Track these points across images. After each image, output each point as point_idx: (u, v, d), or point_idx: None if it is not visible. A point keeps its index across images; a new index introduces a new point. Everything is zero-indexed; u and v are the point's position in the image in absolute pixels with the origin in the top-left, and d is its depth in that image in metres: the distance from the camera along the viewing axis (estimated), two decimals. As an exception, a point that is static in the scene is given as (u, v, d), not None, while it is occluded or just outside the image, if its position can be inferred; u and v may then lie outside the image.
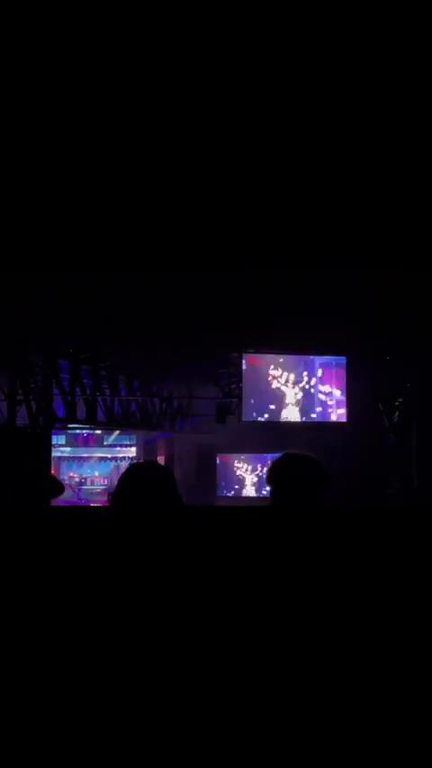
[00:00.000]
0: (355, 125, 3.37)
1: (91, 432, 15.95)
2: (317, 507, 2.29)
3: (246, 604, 1.34)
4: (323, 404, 11.56)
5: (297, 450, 2.52)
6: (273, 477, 2.46)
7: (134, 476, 2.33)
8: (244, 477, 14.73)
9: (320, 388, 11.56)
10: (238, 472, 14.78)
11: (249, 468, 14.62)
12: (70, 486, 16.37)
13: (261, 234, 4.80)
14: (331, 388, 11.55)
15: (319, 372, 11.60)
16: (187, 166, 3.92)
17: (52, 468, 12.54)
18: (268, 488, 2.53)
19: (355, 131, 3.44)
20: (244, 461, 14.68)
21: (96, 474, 16.51)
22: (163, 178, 4.08)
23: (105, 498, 15.15)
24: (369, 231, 4.67)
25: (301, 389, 11.51)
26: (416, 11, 2.60)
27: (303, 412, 11.50)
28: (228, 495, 14.68)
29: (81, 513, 1.99)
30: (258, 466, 14.45)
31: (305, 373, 11.54)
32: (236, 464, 14.80)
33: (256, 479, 14.59)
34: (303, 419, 11.46)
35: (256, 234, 4.79)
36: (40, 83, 3.05)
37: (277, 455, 2.56)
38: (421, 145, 3.45)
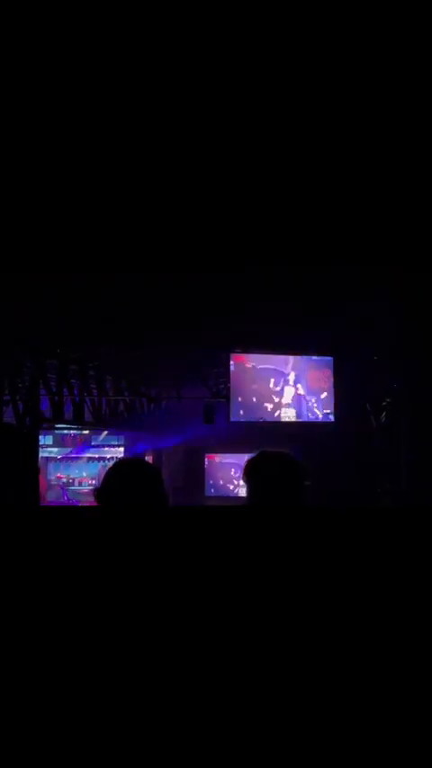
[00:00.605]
0: (355, 125, 3.37)
1: (78, 432, 15.89)
2: (301, 507, 2.27)
3: (235, 604, 1.34)
4: (310, 404, 11.58)
5: (277, 448, 2.49)
6: (249, 475, 2.44)
7: (120, 472, 2.31)
8: (235, 478, 14.68)
9: (308, 388, 11.59)
10: (233, 473, 14.72)
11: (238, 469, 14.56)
12: (58, 485, 16.32)
13: (259, 234, 4.80)
14: (319, 388, 11.57)
15: (307, 373, 11.63)
16: (186, 166, 3.91)
17: (40, 468, 12.49)
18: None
19: (354, 131, 3.44)
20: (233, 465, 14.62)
21: (84, 474, 16.45)
22: (161, 178, 4.07)
23: (93, 498, 15.03)
24: (365, 231, 4.67)
25: (291, 390, 11.53)
26: (416, 11, 2.60)
27: (295, 412, 11.52)
28: (216, 495, 14.68)
29: (69, 514, 1.98)
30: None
31: (293, 374, 11.56)
32: (220, 475, 14.71)
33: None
34: (296, 419, 11.48)
35: (254, 234, 4.79)
36: (40, 83, 3.04)
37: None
38: (421, 145, 3.45)
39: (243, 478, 2.46)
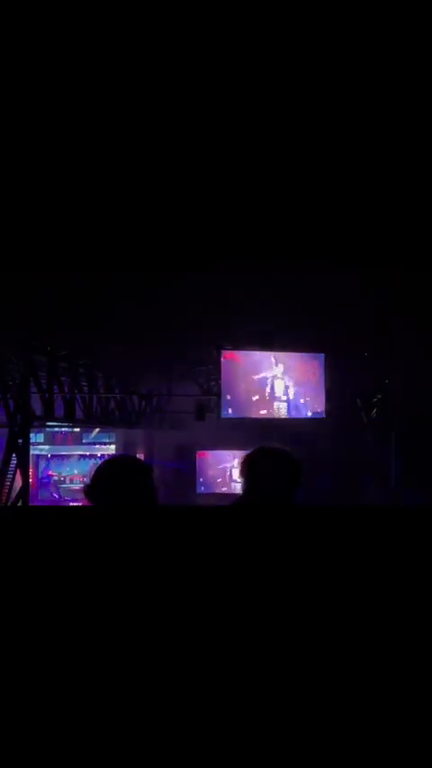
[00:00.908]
0: (354, 123, 3.36)
1: (69, 429, 15.86)
2: (296, 506, 2.28)
3: (230, 604, 1.34)
4: (301, 401, 11.59)
5: (273, 445, 2.50)
6: (246, 470, 2.44)
7: (110, 469, 2.30)
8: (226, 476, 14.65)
9: (295, 380, 11.59)
10: (225, 471, 14.70)
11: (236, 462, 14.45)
12: (50, 483, 16.29)
13: (255, 233, 4.79)
14: (306, 380, 11.57)
15: (294, 365, 11.62)
16: (185, 166, 3.90)
17: (30, 466, 12.46)
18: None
19: (353, 129, 3.43)
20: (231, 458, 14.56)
21: (75, 472, 16.42)
22: (161, 178, 4.06)
23: (84, 495, 15.02)
24: (364, 231, 4.67)
25: (281, 382, 11.54)
26: (416, 11, 2.60)
27: (286, 406, 11.53)
28: (206, 492, 14.68)
29: (61, 514, 1.98)
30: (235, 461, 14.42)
31: (281, 366, 11.56)
32: (211, 472, 14.69)
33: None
34: (286, 416, 11.48)
35: (250, 233, 4.78)
36: (40, 82, 3.02)
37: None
38: (421, 145, 3.45)
39: (240, 474, 2.46)
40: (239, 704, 1.30)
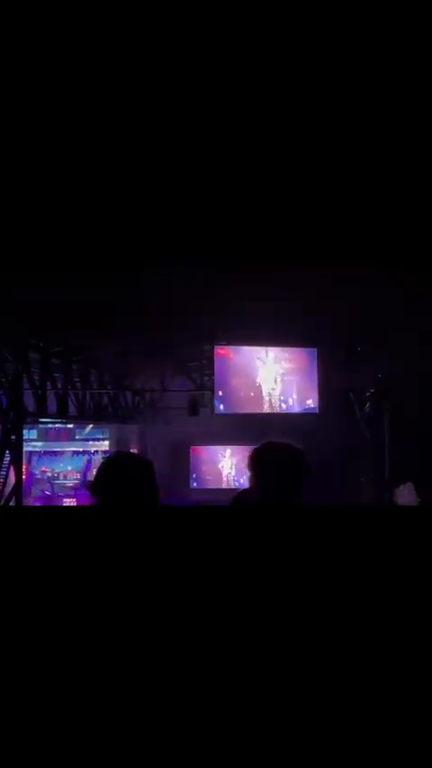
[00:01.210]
0: (353, 121, 3.35)
1: (63, 426, 15.82)
2: (296, 506, 2.30)
3: (231, 605, 1.33)
4: (291, 396, 11.60)
5: (279, 439, 2.53)
6: (254, 464, 2.47)
7: (115, 466, 2.32)
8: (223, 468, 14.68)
9: (285, 369, 11.60)
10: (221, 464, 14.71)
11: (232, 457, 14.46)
12: (44, 480, 16.25)
13: (257, 233, 4.78)
14: (298, 369, 11.58)
15: (288, 362, 11.63)
16: (183, 166, 3.89)
17: (24, 462, 12.44)
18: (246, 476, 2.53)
19: (351, 127, 3.42)
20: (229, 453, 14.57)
21: (69, 468, 16.37)
22: (158, 177, 4.05)
23: (80, 492, 15.09)
24: (364, 230, 4.67)
25: (275, 380, 11.55)
26: (416, 11, 2.59)
27: (277, 403, 11.54)
28: (199, 487, 14.70)
29: (59, 514, 1.97)
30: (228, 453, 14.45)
31: (272, 354, 11.57)
32: (204, 468, 14.69)
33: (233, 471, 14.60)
34: (278, 410, 11.50)
35: (252, 233, 4.77)
36: (40, 82, 3.01)
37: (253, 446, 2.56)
38: (421, 145, 3.45)
39: (248, 467, 2.51)
40: (239, 704, 1.30)
